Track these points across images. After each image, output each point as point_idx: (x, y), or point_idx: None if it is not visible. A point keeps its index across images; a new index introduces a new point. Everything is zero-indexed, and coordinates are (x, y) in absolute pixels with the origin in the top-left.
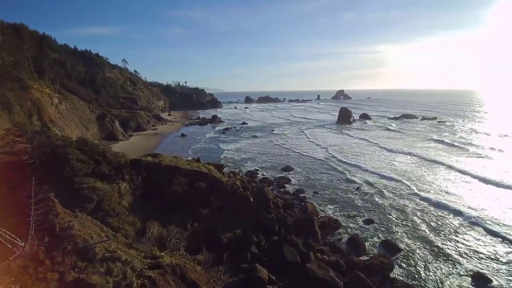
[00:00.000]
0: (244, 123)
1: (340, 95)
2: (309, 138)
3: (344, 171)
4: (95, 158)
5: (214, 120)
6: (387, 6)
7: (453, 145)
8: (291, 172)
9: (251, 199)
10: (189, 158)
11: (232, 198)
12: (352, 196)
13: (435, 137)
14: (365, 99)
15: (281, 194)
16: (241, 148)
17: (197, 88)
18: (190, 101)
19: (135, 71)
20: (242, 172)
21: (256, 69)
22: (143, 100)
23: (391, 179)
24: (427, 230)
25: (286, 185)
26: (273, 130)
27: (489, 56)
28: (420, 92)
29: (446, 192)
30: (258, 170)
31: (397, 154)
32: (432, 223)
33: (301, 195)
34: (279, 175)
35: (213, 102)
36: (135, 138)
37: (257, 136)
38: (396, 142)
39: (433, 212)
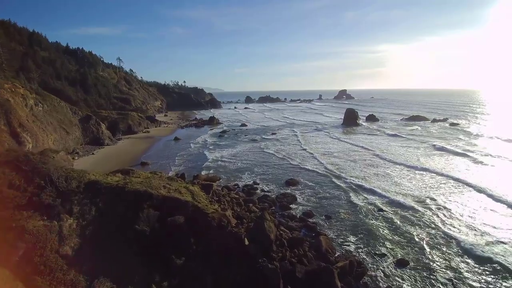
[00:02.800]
0: (243, 125)
1: (343, 94)
2: (314, 144)
3: (359, 188)
4: (37, 182)
5: (212, 121)
6: (388, 6)
7: (472, 157)
8: (296, 187)
9: (246, 242)
10: (173, 171)
11: (220, 238)
12: (374, 224)
13: (452, 147)
14: (368, 98)
15: (286, 220)
16: (238, 155)
17: (196, 87)
18: (188, 101)
19: (131, 70)
20: (238, 187)
21: (257, 68)
22: (138, 100)
23: (415, 205)
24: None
25: (291, 205)
26: (274, 134)
27: (491, 56)
28: (422, 91)
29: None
30: (258, 184)
31: (417, 170)
32: (485, 276)
33: (310, 220)
34: (283, 191)
35: (212, 102)
36: (123, 142)
37: (256, 140)
38: (413, 151)
39: (479, 258)
